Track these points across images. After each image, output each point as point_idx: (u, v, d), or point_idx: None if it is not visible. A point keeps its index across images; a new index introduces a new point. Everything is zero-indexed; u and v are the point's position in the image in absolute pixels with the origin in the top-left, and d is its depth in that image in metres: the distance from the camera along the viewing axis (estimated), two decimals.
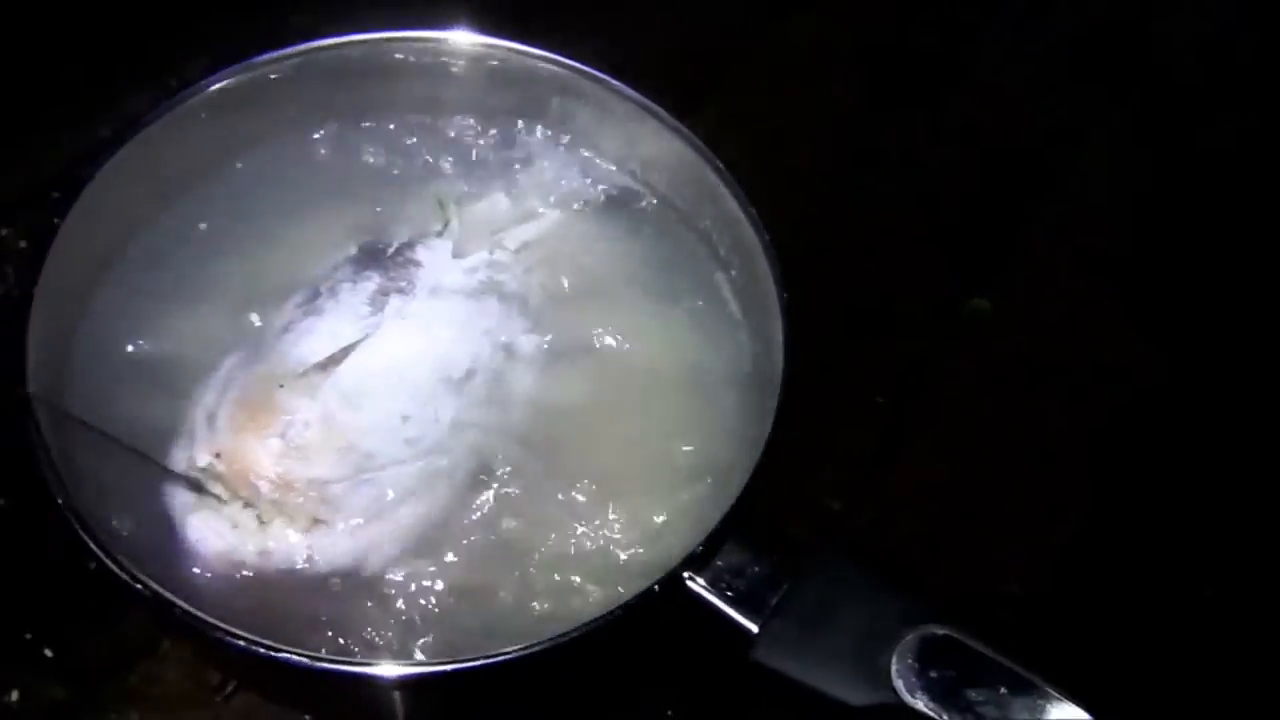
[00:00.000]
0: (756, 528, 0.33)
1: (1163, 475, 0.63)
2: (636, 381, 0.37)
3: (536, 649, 0.29)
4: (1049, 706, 0.30)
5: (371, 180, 0.42)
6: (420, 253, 0.39)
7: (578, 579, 0.34)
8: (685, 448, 0.36)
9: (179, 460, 0.34)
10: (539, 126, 0.42)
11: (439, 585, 0.33)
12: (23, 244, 0.59)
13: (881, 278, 0.67)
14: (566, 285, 0.40)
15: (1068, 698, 0.30)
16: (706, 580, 0.32)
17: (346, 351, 0.35)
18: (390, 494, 0.34)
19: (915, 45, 0.78)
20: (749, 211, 0.36)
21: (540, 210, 0.42)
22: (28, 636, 0.56)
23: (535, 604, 0.33)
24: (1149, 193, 0.73)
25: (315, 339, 0.35)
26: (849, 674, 0.31)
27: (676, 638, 0.35)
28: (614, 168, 0.42)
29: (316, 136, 0.42)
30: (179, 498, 0.33)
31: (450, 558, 0.34)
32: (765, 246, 0.35)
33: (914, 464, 0.58)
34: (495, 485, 0.35)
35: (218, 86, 0.39)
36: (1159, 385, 0.65)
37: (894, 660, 0.30)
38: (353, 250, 0.39)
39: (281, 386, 0.34)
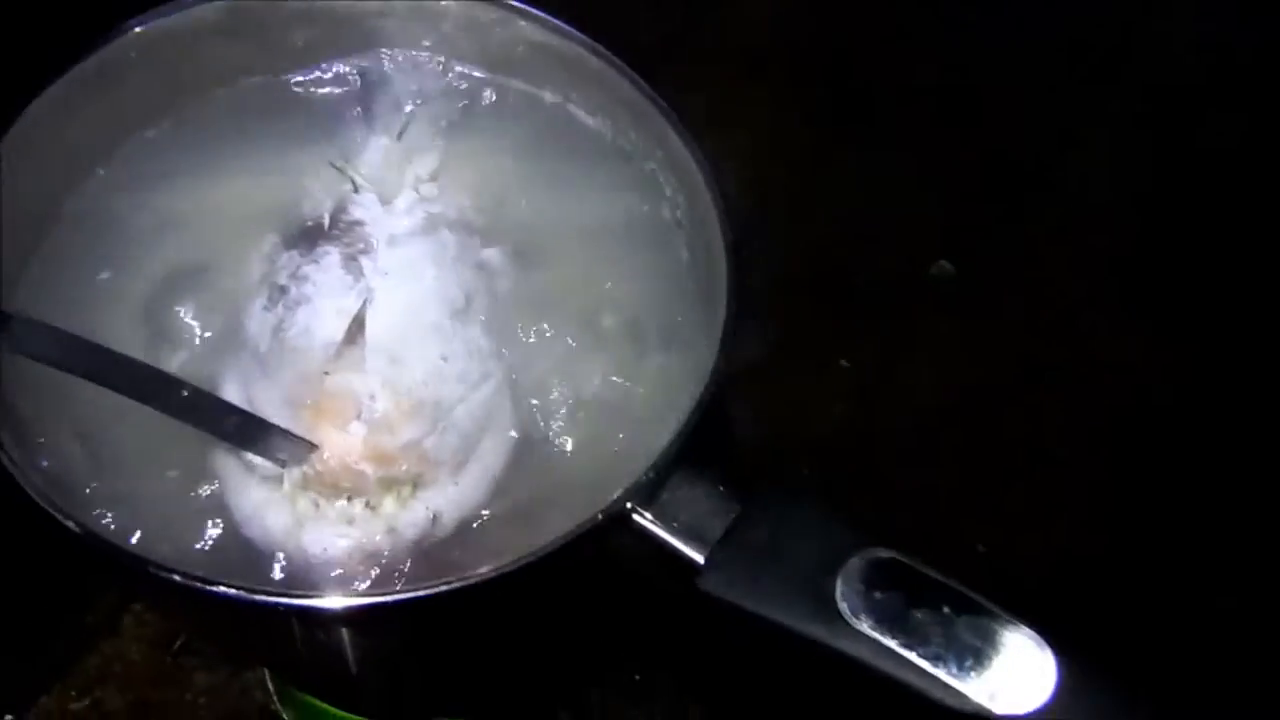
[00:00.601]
0: (706, 464, 0.32)
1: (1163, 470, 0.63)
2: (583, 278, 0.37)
3: (474, 580, 0.29)
4: (997, 628, 0.29)
5: (264, 157, 0.40)
6: (355, 213, 0.38)
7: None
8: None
9: (261, 484, 0.33)
10: (457, 64, 0.42)
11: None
12: None
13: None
14: (490, 195, 0.39)
15: (1017, 620, 0.29)
16: (653, 514, 0.31)
17: (360, 320, 0.34)
18: (470, 431, 0.34)
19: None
20: (693, 149, 0.35)
21: (434, 139, 0.41)
22: None
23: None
24: (1149, 192, 0.73)
25: (323, 321, 0.34)
26: (794, 600, 0.30)
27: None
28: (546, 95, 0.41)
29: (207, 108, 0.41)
30: (280, 517, 0.32)
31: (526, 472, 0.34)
32: (711, 184, 0.35)
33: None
34: (528, 399, 0.35)
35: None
36: (1158, 382, 0.65)
37: (839, 584, 0.30)
38: (272, 239, 0.38)
39: (327, 374, 0.33)
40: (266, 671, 0.58)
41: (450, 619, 0.32)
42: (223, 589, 0.29)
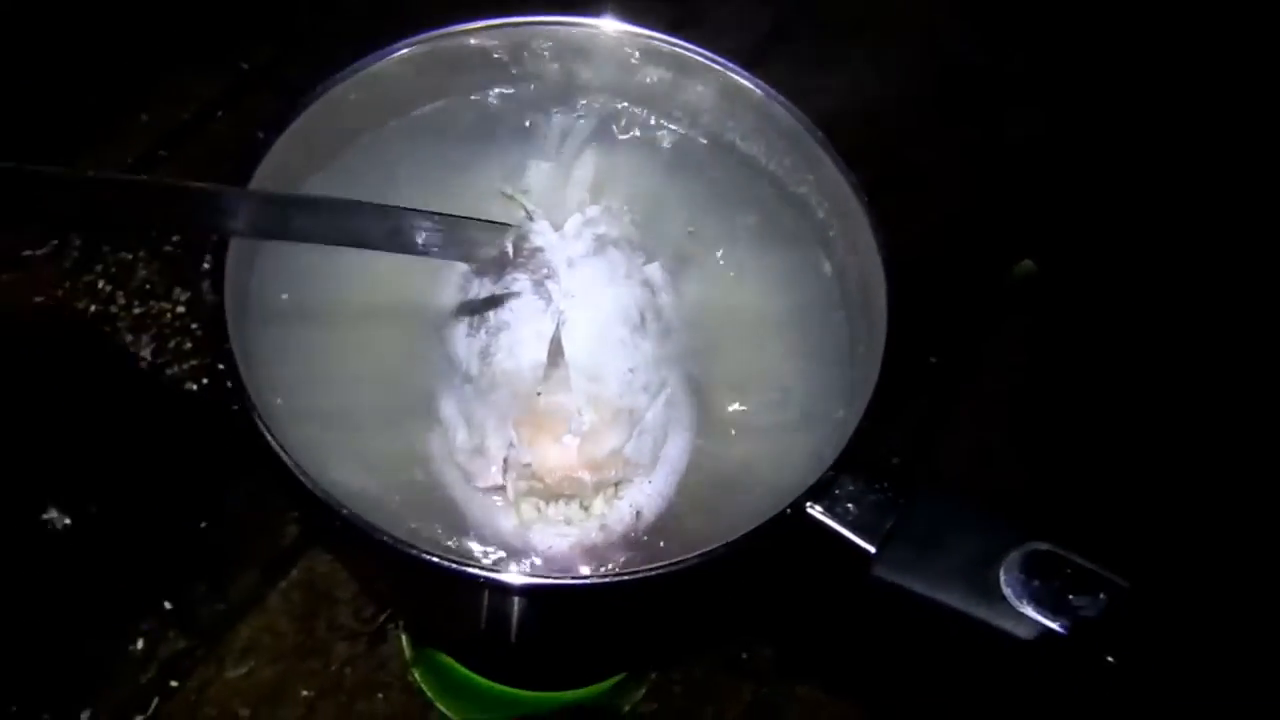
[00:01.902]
0: (866, 465, 0.36)
1: None
2: (744, 298, 0.41)
3: (657, 571, 0.33)
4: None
5: (441, 184, 0.44)
6: (535, 240, 0.42)
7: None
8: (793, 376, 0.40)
9: (486, 492, 0.37)
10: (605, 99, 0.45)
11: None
12: None
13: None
14: (645, 214, 0.44)
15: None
16: (824, 508, 0.35)
17: (558, 342, 0.38)
18: (658, 435, 0.38)
19: None
20: (846, 174, 0.39)
21: (589, 163, 0.45)
22: (140, 592, 0.61)
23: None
24: None
25: (527, 346, 0.38)
26: (963, 587, 0.35)
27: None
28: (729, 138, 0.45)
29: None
30: (507, 521, 0.37)
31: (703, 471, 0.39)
32: (868, 210, 0.38)
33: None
34: (701, 403, 0.40)
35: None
36: None
37: (1002, 573, 0.34)
38: (462, 266, 0.42)
39: (539, 394, 0.37)
40: (404, 640, 0.63)
41: (652, 597, 0.36)
42: (476, 571, 0.33)
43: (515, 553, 0.36)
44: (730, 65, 0.42)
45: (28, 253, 0.76)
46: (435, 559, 0.31)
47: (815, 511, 0.36)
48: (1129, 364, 0.73)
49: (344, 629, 0.65)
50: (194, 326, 0.74)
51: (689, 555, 0.33)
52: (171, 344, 0.74)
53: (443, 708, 0.62)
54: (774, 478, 0.38)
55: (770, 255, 0.42)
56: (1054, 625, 0.33)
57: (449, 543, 0.34)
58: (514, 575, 0.33)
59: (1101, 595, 0.33)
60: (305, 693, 0.63)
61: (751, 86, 0.41)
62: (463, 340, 0.39)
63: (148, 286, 0.75)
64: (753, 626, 0.62)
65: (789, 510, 0.35)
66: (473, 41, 0.42)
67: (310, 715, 0.63)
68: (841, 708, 0.64)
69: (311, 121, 0.39)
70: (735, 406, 0.40)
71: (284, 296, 0.38)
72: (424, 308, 0.40)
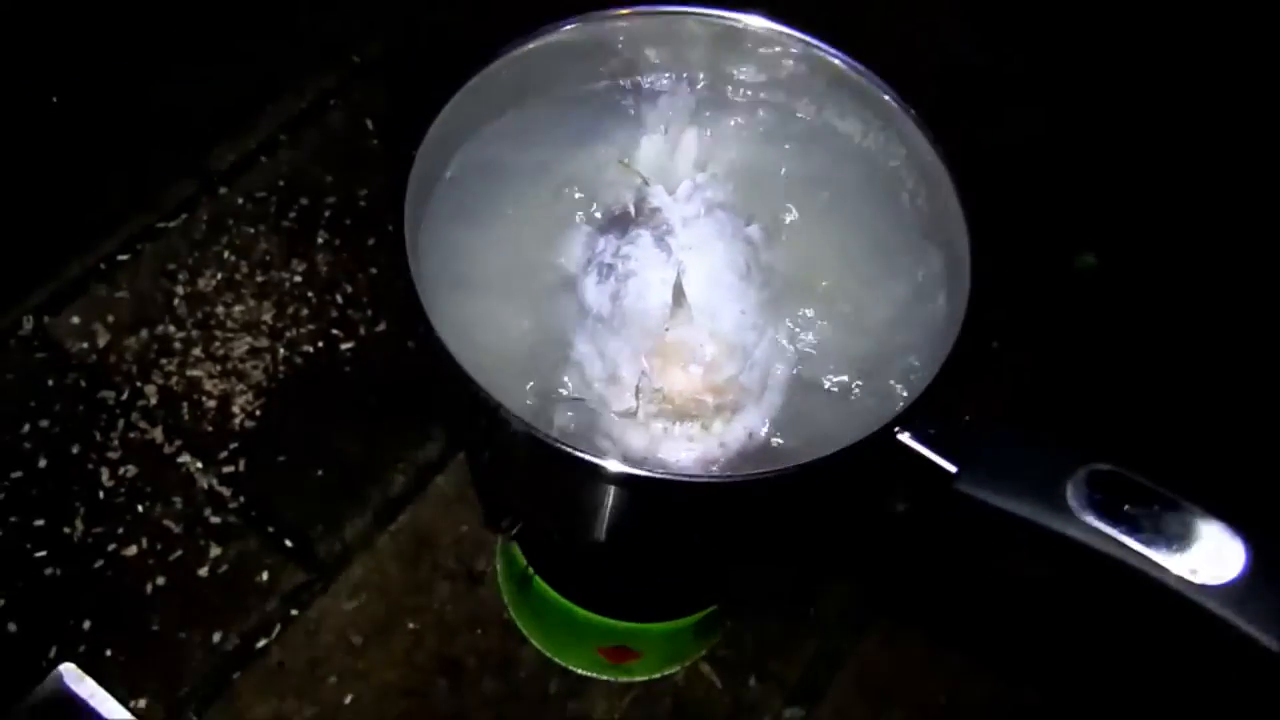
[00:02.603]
0: (947, 400, 0.42)
1: None
2: (838, 256, 0.47)
3: (760, 475, 0.39)
4: (1196, 520, 0.39)
5: (569, 155, 0.50)
6: (653, 200, 0.48)
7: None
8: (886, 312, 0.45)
9: (619, 415, 0.43)
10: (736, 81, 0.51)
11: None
12: None
13: None
14: (749, 182, 0.49)
15: (1211, 514, 0.38)
16: (912, 433, 0.41)
17: (679, 286, 0.44)
18: (765, 367, 0.44)
19: None
20: (938, 149, 0.44)
21: (697, 137, 0.51)
22: (270, 529, 0.68)
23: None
24: None
25: (653, 289, 0.44)
26: (1034, 501, 0.40)
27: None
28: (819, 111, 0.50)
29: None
30: (639, 439, 0.43)
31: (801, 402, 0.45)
32: (957, 185, 0.44)
33: None
34: (798, 343, 0.46)
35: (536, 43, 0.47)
36: None
37: (1069, 488, 0.39)
38: (586, 231, 0.48)
39: (667, 330, 0.43)
40: (501, 576, 0.69)
41: (757, 502, 0.42)
42: (620, 467, 0.38)
43: (638, 460, 0.41)
44: (826, 48, 0.47)
45: (161, 225, 0.84)
46: (583, 454, 0.37)
47: (904, 437, 0.41)
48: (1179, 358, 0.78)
49: (445, 570, 0.71)
50: (309, 294, 0.81)
51: (790, 465, 0.39)
52: (290, 310, 0.81)
53: (535, 642, 0.68)
54: (866, 407, 0.43)
55: (859, 217, 0.48)
56: (1113, 531, 0.38)
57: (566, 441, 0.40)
58: (649, 469, 0.38)
59: (1157, 508, 0.39)
60: (411, 625, 0.70)
61: (844, 67, 0.47)
62: (594, 288, 0.45)
63: (268, 258, 0.82)
64: (828, 568, 0.67)
65: (880, 433, 0.40)
66: (600, 30, 0.48)
67: (416, 645, 0.69)
68: (897, 662, 0.70)
69: (467, 97, 0.45)
70: (829, 347, 0.46)
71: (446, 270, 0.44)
72: (556, 265, 0.47)
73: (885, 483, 0.42)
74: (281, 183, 0.86)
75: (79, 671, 0.63)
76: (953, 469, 0.41)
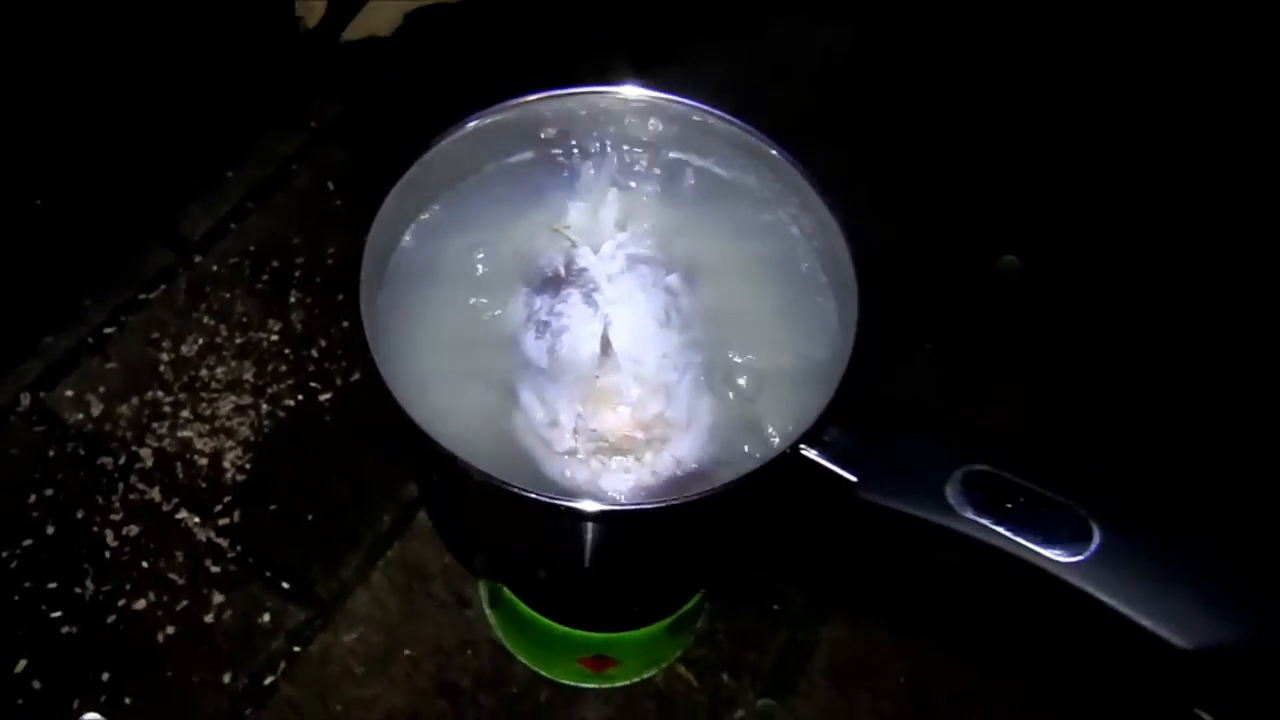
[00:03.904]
0: (847, 415, 0.48)
1: None
2: (745, 294, 0.54)
3: (688, 499, 0.45)
4: (1056, 510, 0.45)
5: (504, 225, 0.57)
6: (580, 262, 0.54)
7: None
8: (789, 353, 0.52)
9: (562, 454, 0.49)
10: (632, 149, 0.58)
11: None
12: None
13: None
14: (664, 236, 0.56)
15: (1072, 503, 0.45)
16: (817, 450, 0.47)
17: (606, 338, 0.50)
18: (688, 403, 0.51)
19: None
20: (822, 189, 0.51)
21: (618, 199, 0.57)
22: (268, 574, 0.74)
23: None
24: None
25: (584, 342, 0.51)
26: (922, 501, 0.46)
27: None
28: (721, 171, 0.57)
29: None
30: (582, 473, 0.49)
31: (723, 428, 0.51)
32: (844, 229, 0.50)
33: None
34: (715, 377, 0.52)
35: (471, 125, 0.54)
36: None
37: (948, 487, 0.46)
38: (523, 292, 0.54)
39: (597, 377, 0.50)
40: (484, 600, 0.75)
41: (687, 523, 0.48)
42: (568, 503, 0.45)
43: (588, 496, 0.48)
44: (726, 116, 0.54)
45: (143, 296, 0.90)
46: (537, 495, 0.43)
47: (809, 453, 0.48)
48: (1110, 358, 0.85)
49: (436, 598, 0.77)
50: (287, 351, 0.87)
51: (716, 486, 0.45)
52: (270, 367, 0.87)
53: (522, 658, 0.74)
54: (778, 429, 0.50)
55: (762, 260, 0.54)
56: (988, 523, 0.45)
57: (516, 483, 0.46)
58: (592, 504, 0.45)
59: (1021, 499, 0.45)
60: (408, 652, 0.76)
61: (743, 133, 0.53)
62: (533, 343, 0.51)
63: (245, 319, 0.88)
64: (781, 570, 0.74)
65: (788, 451, 0.47)
66: (526, 111, 0.54)
67: (415, 670, 0.75)
68: (863, 648, 0.76)
69: (407, 184, 0.51)
70: (744, 378, 0.52)
71: (404, 332, 0.50)
72: (499, 322, 0.53)
73: (799, 493, 0.49)
74: (253, 247, 0.92)
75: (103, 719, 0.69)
76: (853, 478, 0.47)
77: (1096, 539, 0.43)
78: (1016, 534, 0.44)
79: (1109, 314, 0.87)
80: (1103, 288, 0.88)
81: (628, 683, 0.72)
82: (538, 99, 0.54)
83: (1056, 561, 0.43)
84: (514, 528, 0.50)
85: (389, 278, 0.52)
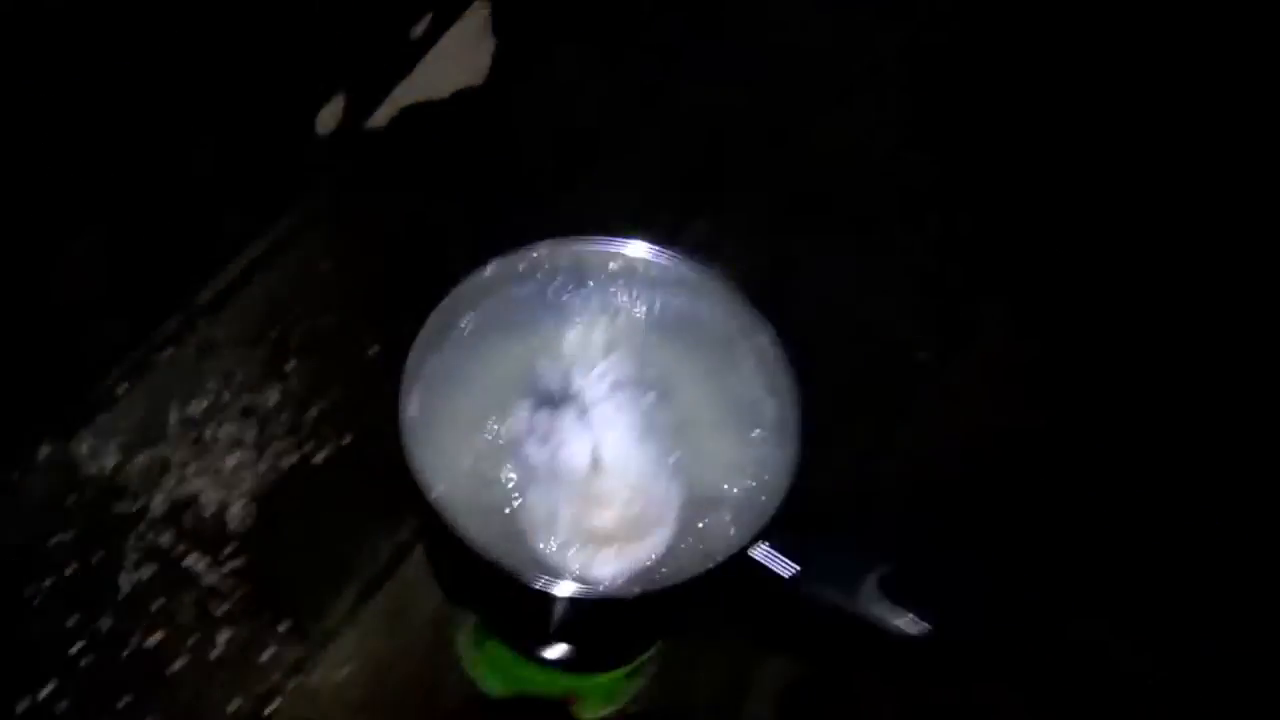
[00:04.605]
0: (792, 520, 0.62)
1: None
2: (709, 416, 0.67)
3: (658, 587, 0.58)
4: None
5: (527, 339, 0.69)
6: (574, 387, 0.66)
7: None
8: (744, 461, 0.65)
9: (558, 545, 0.62)
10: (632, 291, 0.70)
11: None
12: None
13: None
14: (641, 362, 0.69)
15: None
16: (764, 548, 0.61)
17: (597, 454, 0.63)
18: (663, 502, 0.63)
19: None
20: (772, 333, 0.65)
21: (605, 330, 0.69)
22: (269, 614, 0.85)
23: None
24: None
25: (577, 455, 0.62)
26: (845, 595, 0.60)
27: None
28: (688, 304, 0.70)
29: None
30: (575, 560, 0.61)
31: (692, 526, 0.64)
32: (778, 349, 0.64)
33: None
34: (684, 481, 0.64)
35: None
36: None
37: (864, 588, 0.60)
38: (526, 407, 0.66)
39: (590, 484, 0.62)
40: (460, 640, 0.87)
41: (652, 603, 0.61)
42: (562, 590, 0.58)
43: (580, 579, 0.61)
44: (695, 266, 0.67)
45: (153, 357, 0.99)
46: (535, 583, 0.56)
47: (757, 553, 0.61)
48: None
49: (421, 639, 0.89)
50: (285, 414, 0.98)
51: (683, 578, 0.59)
52: (270, 428, 0.98)
53: (498, 692, 0.86)
54: (735, 527, 0.63)
55: (725, 384, 0.68)
56: (888, 615, 0.59)
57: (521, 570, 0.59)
58: (585, 589, 0.57)
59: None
60: (394, 685, 0.87)
61: (725, 291, 0.67)
62: (535, 452, 0.64)
63: (247, 383, 0.99)
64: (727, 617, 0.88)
65: (741, 550, 0.60)
66: (527, 256, 0.67)
67: (401, 702, 0.87)
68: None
69: (456, 297, 0.65)
70: (711, 482, 0.65)
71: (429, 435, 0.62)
72: (505, 433, 0.65)
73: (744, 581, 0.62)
74: (255, 314, 1.03)
75: None
76: (790, 573, 0.61)
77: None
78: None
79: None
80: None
81: (592, 717, 0.85)
82: (541, 245, 0.67)
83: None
84: (511, 598, 0.62)
85: (418, 391, 0.63)
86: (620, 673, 0.79)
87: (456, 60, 1.19)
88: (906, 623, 0.59)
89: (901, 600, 0.60)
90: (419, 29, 1.09)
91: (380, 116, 1.13)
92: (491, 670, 0.85)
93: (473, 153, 1.15)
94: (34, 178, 1.01)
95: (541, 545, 0.61)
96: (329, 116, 1.10)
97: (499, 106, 1.18)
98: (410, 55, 1.12)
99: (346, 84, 1.06)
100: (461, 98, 1.19)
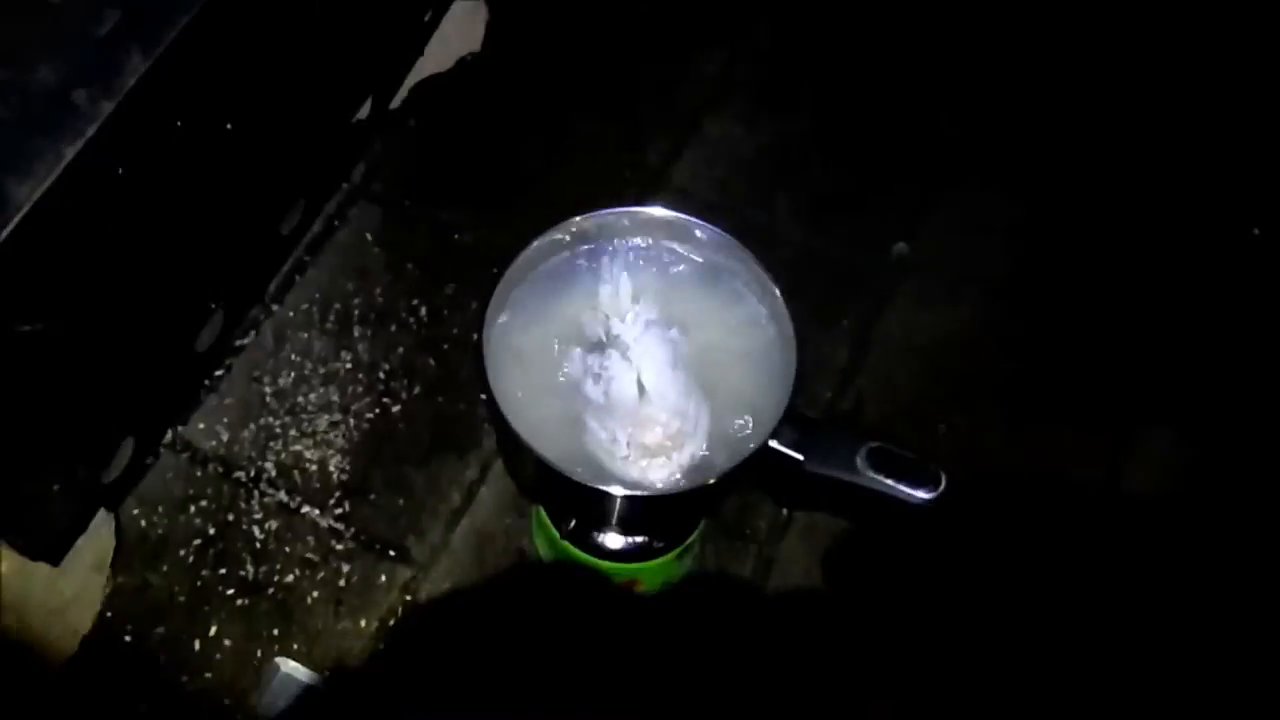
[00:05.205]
0: (798, 419, 0.79)
1: None
2: (723, 340, 0.83)
3: (701, 484, 0.76)
4: (921, 467, 0.76)
5: (571, 299, 0.85)
6: (614, 330, 0.82)
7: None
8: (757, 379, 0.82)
9: (619, 459, 0.78)
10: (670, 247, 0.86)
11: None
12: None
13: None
14: (665, 303, 0.84)
15: (929, 465, 0.76)
16: (780, 442, 0.78)
17: (640, 383, 0.79)
18: (695, 418, 0.79)
19: None
20: (772, 272, 0.81)
21: (633, 280, 0.85)
22: (378, 546, 1.03)
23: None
24: None
25: (628, 384, 0.78)
26: (842, 467, 0.77)
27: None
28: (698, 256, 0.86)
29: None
30: (634, 470, 0.77)
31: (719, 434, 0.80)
32: (782, 291, 0.80)
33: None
34: (711, 400, 0.81)
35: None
36: None
37: (858, 458, 0.77)
38: (579, 354, 0.82)
39: (638, 408, 0.79)
40: (540, 552, 1.05)
41: (703, 495, 0.79)
42: (625, 491, 0.76)
43: (636, 484, 0.78)
44: (709, 226, 0.83)
45: (240, 343, 1.16)
46: (603, 487, 0.74)
47: (775, 444, 0.79)
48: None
49: (503, 554, 1.08)
50: (360, 376, 1.15)
51: (717, 475, 0.76)
52: (349, 390, 1.14)
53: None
54: (753, 432, 0.81)
55: (733, 315, 0.84)
56: (880, 478, 0.76)
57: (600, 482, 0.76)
58: (642, 490, 0.75)
59: (901, 462, 0.77)
60: (485, 592, 1.06)
61: (723, 238, 0.82)
62: (591, 388, 0.80)
63: (323, 354, 1.16)
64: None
65: (763, 445, 0.78)
66: (563, 229, 0.83)
67: (492, 607, 1.05)
68: (813, 558, 1.09)
69: (512, 271, 0.80)
70: (727, 399, 0.82)
71: (502, 378, 0.79)
72: (567, 375, 0.82)
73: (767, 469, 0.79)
74: (317, 295, 1.19)
75: (292, 662, 0.98)
76: (800, 457, 0.78)
77: (943, 484, 0.75)
78: (898, 484, 0.76)
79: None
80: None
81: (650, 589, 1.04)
82: (574, 220, 0.83)
83: (918, 500, 0.75)
84: (584, 503, 0.80)
85: (495, 340, 0.80)
86: (671, 555, 0.97)
87: (456, 34, 1.32)
88: (889, 488, 0.77)
89: (885, 471, 0.77)
90: (428, 15, 1.22)
91: (396, 98, 1.27)
92: (563, 571, 1.03)
93: (478, 122, 1.29)
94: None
95: (606, 462, 0.79)
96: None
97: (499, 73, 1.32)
98: (422, 37, 1.25)
99: (373, 75, 1.19)
100: (465, 66, 1.33)
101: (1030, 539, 0.99)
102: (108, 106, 0.70)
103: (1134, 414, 1.12)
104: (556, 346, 0.81)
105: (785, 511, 1.07)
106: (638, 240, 0.85)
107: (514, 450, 0.75)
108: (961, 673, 0.95)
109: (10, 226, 0.64)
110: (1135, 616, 0.96)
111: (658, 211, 0.83)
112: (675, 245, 0.85)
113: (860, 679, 0.99)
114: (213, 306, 0.99)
